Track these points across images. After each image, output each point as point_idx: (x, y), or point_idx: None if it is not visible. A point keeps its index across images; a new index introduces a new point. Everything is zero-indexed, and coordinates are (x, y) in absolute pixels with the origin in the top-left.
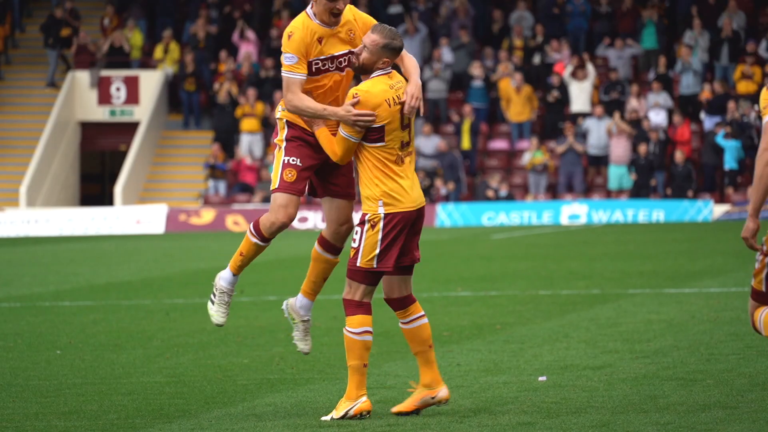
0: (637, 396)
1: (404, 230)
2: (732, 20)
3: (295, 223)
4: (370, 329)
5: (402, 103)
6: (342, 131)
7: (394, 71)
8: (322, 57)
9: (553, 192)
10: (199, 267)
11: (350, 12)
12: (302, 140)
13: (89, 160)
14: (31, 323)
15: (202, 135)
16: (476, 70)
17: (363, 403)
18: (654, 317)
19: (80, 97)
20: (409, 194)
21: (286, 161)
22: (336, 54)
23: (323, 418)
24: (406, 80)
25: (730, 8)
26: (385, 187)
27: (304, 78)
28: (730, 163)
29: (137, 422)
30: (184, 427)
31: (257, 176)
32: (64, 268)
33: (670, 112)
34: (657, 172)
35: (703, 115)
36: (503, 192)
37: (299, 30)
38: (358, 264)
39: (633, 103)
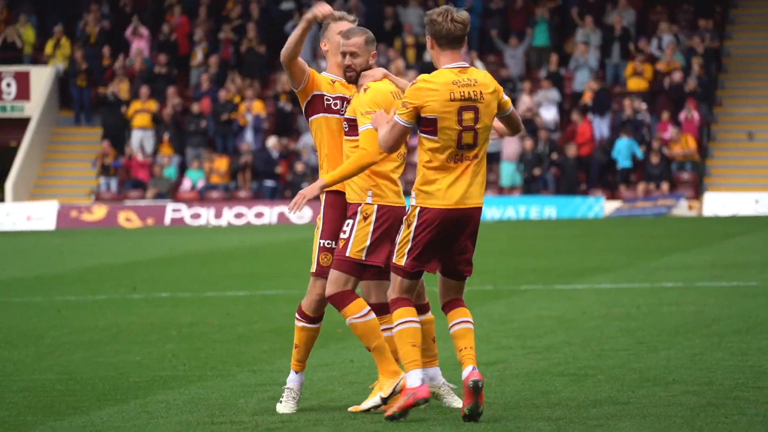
0: (529, 391)
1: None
2: (622, 18)
3: (188, 220)
4: (368, 308)
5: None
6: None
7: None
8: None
9: None
10: (91, 264)
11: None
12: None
13: None
14: None
15: (94, 131)
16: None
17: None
18: (546, 313)
19: None
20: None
21: (321, 244)
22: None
23: (364, 406)
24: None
25: (620, 5)
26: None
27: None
28: (623, 161)
29: (29, 420)
30: (75, 425)
31: (149, 172)
32: None
33: (561, 109)
34: (546, 168)
35: (590, 115)
36: None
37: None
38: (347, 254)
39: (525, 100)
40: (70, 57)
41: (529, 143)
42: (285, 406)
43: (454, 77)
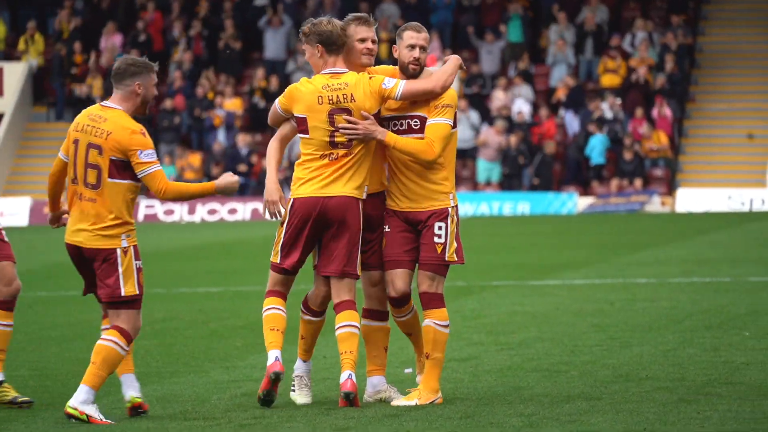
0: (502, 387)
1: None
2: (595, 14)
3: (161, 216)
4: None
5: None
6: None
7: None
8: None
9: None
10: (63, 260)
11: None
12: None
13: None
14: None
15: (67, 127)
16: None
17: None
18: (518, 309)
19: None
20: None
21: None
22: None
23: (398, 403)
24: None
25: (593, 2)
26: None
27: None
28: (596, 158)
29: (1, 416)
30: (47, 421)
31: None
32: None
33: (534, 106)
34: (526, 165)
35: (562, 111)
36: None
37: None
38: (446, 258)
39: (500, 96)
40: (44, 53)
41: (514, 139)
42: (300, 396)
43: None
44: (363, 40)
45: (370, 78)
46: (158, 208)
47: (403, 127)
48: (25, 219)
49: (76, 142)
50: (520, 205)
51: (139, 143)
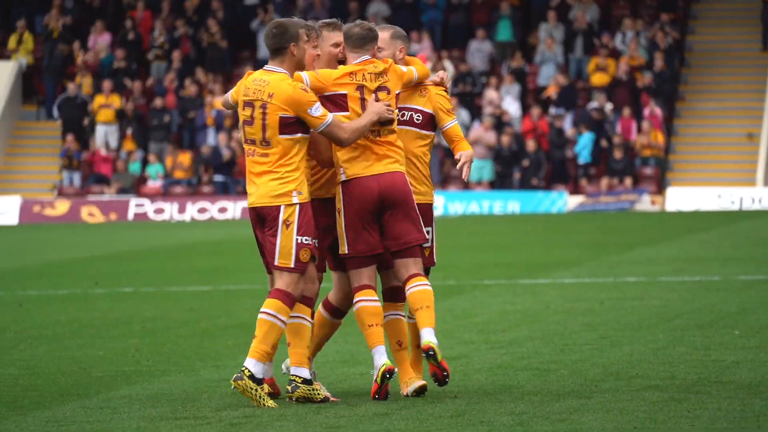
0: (493, 386)
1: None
2: (585, 13)
3: (151, 215)
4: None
5: None
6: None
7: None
8: None
9: None
10: (54, 258)
11: None
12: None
13: None
14: None
15: (57, 126)
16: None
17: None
18: (509, 308)
19: None
20: None
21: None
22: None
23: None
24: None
25: (584, 1)
26: None
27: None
28: (584, 156)
29: None
30: (38, 420)
31: (113, 167)
32: None
33: (524, 104)
34: (516, 164)
35: (553, 109)
36: None
37: None
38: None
39: (492, 95)
40: (33, 51)
41: (505, 139)
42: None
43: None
44: (337, 45)
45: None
46: (148, 207)
47: (405, 118)
48: (15, 218)
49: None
50: (510, 203)
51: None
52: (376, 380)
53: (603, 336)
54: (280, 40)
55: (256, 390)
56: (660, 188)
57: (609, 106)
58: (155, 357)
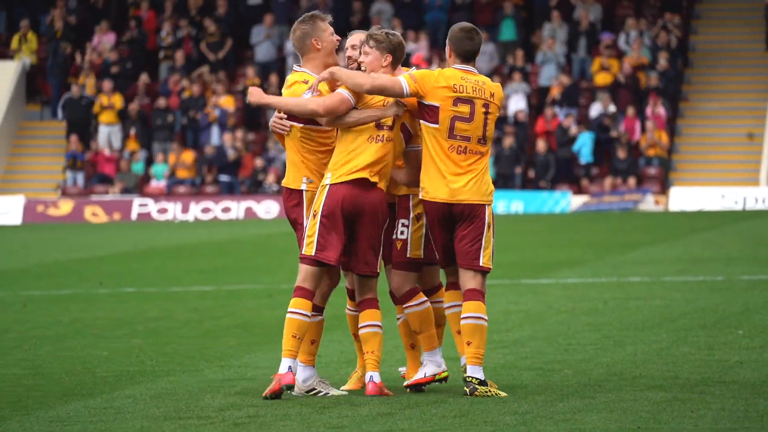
0: (496, 386)
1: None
2: (588, 13)
3: (155, 215)
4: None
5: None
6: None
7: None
8: None
9: None
10: (57, 258)
11: None
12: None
13: None
14: None
15: (61, 126)
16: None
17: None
18: (513, 308)
19: None
20: None
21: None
22: None
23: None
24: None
25: (587, 1)
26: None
27: None
28: (586, 156)
29: None
30: (42, 420)
31: (116, 167)
32: None
33: (529, 104)
34: (517, 164)
35: (557, 109)
36: None
37: None
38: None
39: None
40: (37, 51)
41: (508, 140)
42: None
43: None
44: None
45: None
46: (151, 207)
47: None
48: (19, 218)
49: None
50: (513, 203)
51: None
52: (426, 375)
53: (606, 336)
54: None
55: (489, 390)
56: (663, 188)
57: (612, 108)
58: (159, 357)
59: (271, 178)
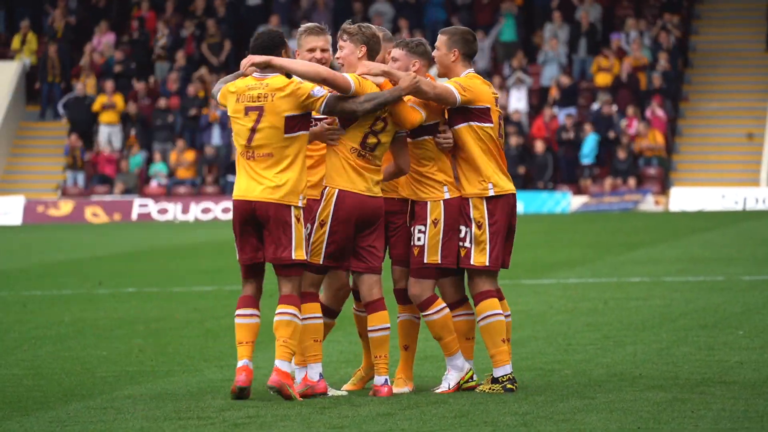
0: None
1: None
2: (589, 13)
3: (155, 215)
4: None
5: None
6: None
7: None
8: None
9: None
10: (57, 258)
11: None
12: None
13: None
14: None
15: (61, 126)
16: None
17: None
18: (513, 308)
19: None
20: None
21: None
22: None
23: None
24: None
25: (588, 1)
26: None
27: None
28: (588, 156)
29: None
30: (42, 420)
31: (116, 167)
32: None
33: (530, 104)
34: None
35: (556, 109)
36: None
37: None
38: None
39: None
40: (37, 52)
41: (513, 140)
42: (338, 390)
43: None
44: (312, 50)
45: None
46: (152, 208)
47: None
48: (19, 218)
49: None
50: None
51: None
52: (450, 386)
53: (607, 336)
54: None
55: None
56: (664, 188)
57: (614, 108)
58: (159, 357)
59: None
